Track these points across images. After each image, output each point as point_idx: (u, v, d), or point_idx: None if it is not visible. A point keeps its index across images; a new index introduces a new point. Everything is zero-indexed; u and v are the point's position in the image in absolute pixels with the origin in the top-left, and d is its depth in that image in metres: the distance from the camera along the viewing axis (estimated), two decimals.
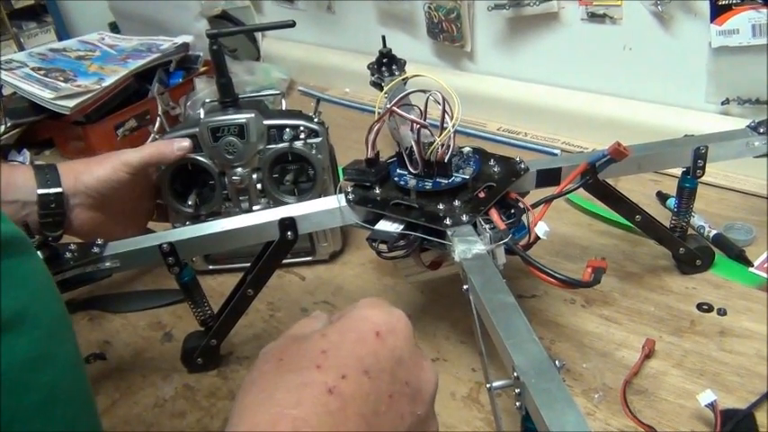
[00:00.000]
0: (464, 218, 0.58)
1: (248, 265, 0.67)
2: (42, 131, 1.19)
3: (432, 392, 0.41)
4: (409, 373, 0.39)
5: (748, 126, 0.69)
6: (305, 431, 0.33)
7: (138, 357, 0.72)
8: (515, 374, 0.42)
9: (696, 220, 0.78)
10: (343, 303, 0.76)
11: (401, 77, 0.80)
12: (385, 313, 0.41)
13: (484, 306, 0.49)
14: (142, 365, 0.71)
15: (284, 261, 0.68)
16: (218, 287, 0.80)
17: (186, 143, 0.75)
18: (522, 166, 0.63)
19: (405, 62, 0.95)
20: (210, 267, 0.84)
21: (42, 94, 1.08)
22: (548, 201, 0.60)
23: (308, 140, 0.75)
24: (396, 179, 0.63)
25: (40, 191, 0.69)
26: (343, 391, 0.35)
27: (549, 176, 0.65)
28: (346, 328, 0.40)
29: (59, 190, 0.70)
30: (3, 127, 1.14)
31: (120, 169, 0.72)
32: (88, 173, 0.72)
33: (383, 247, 0.60)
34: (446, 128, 0.59)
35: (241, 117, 0.74)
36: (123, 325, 0.77)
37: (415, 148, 0.60)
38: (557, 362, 0.42)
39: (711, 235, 0.77)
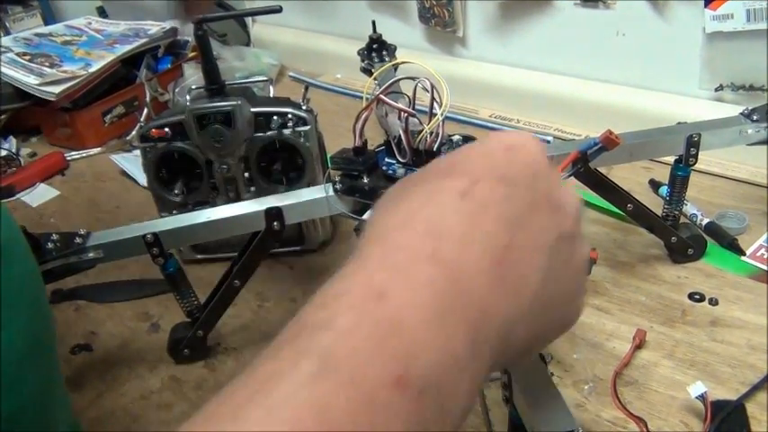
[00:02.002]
0: None
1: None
2: (29, 118, 1.17)
3: (575, 211, 0.34)
4: (548, 187, 0.33)
5: (741, 113, 0.69)
6: (440, 228, 0.29)
7: (124, 348, 0.71)
8: None
9: (689, 209, 0.78)
10: None
11: (390, 63, 0.79)
12: (515, 133, 0.35)
13: None
14: (128, 357, 0.70)
15: (273, 250, 0.67)
16: (206, 277, 0.79)
17: None
18: None
19: (395, 47, 0.93)
20: (199, 257, 0.82)
21: (27, 79, 1.07)
22: None
23: (297, 128, 0.73)
24: (384, 168, 0.62)
25: None
26: (477, 195, 0.31)
27: None
28: (473, 146, 0.35)
29: None
30: None
31: None
32: None
33: None
34: (435, 115, 0.57)
35: (227, 104, 0.72)
36: (110, 315, 0.76)
37: (403, 136, 0.59)
38: (544, 355, 0.42)
39: (704, 223, 0.76)
